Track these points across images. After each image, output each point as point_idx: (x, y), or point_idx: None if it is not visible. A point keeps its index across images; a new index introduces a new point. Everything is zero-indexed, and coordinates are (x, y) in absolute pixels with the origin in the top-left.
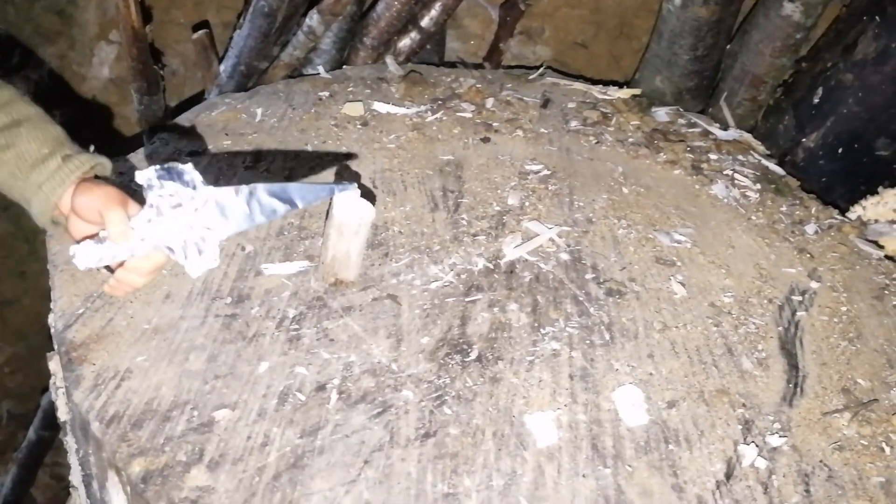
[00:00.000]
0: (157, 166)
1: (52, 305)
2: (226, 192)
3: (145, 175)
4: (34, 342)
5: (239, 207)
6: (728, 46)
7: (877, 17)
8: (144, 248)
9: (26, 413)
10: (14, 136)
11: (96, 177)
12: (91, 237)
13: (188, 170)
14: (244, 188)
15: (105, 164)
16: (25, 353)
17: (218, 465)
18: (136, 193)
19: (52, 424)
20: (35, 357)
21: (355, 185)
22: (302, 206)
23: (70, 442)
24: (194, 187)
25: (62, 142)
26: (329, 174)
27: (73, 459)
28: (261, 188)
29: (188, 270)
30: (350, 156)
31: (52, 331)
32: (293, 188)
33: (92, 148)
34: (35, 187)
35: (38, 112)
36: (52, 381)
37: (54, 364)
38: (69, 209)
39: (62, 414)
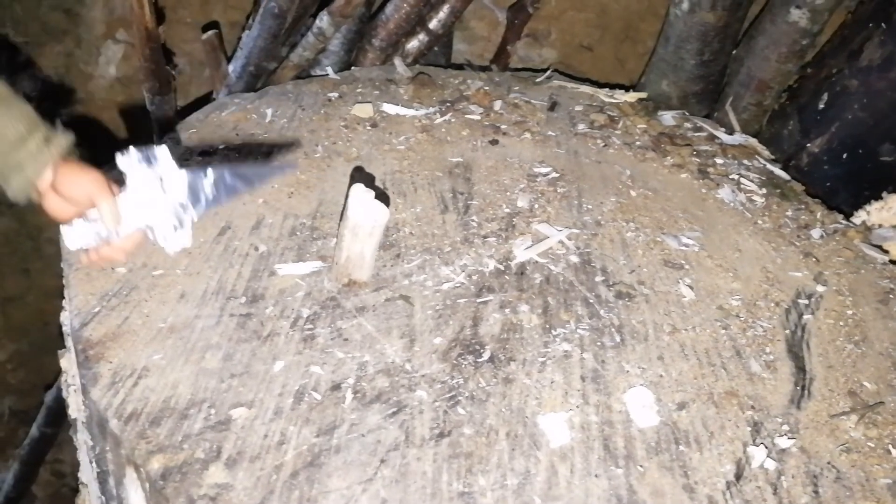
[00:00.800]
0: (136, 151)
1: (65, 304)
2: (196, 175)
3: (125, 160)
4: (37, 339)
5: (208, 189)
6: (734, 51)
7: (882, 24)
8: (127, 229)
9: (28, 410)
10: None
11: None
12: (79, 218)
13: (163, 154)
14: (211, 170)
15: (72, 140)
16: (28, 350)
17: (236, 463)
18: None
19: (55, 421)
20: (37, 354)
21: (295, 165)
22: (257, 185)
23: (81, 439)
24: (169, 170)
25: (35, 120)
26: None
27: (83, 456)
28: (226, 171)
29: (166, 248)
30: (292, 144)
31: (67, 329)
32: (251, 170)
33: (58, 123)
34: (15, 166)
35: (7, 90)
36: (63, 379)
37: (66, 362)
38: (46, 186)
39: (73, 411)
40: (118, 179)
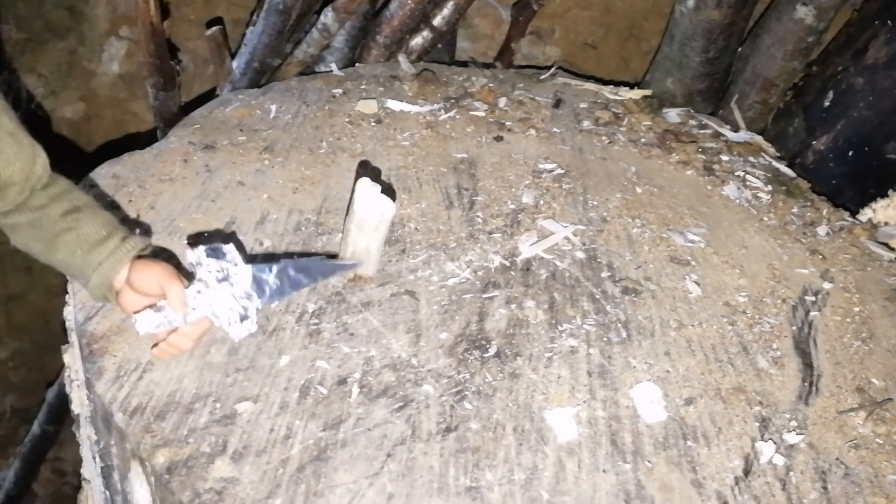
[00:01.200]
0: (205, 247)
1: (69, 298)
2: (261, 269)
3: (195, 254)
4: (39, 337)
5: (272, 282)
6: (739, 49)
7: (889, 22)
8: (195, 316)
9: (29, 408)
10: (75, 220)
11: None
12: (150, 307)
13: (230, 250)
14: (275, 266)
15: (150, 244)
16: (30, 348)
17: (242, 457)
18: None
19: (56, 419)
20: (39, 352)
21: (362, 263)
22: (320, 280)
23: (84, 434)
24: (235, 264)
25: (115, 225)
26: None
27: (86, 452)
28: (290, 265)
29: (232, 335)
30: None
31: (71, 323)
32: (314, 265)
33: (137, 231)
34: (95, 265)
35: (91, 199)
36: (66, 374)
37: (69, 357)
38: (122, 284)
39: (76, 406)
40: (187, 274)
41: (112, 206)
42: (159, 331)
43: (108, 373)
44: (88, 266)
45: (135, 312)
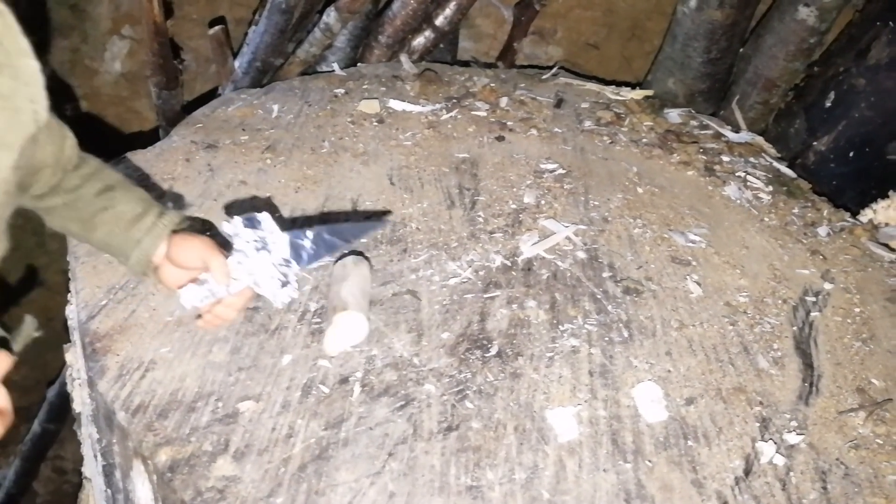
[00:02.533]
0: (241, 217)
1: (71, 297)
2: (297, 235)
3: (232, 225)
4: (40, 336)
5: (308, 246)
6: (741, 50)
7: (891, 23)
8: (238, 287)
9: (29, 406)
10: (110, 199)
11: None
12: (193, 281)
13: (266, 218)
14: (311, 231)
15: (185, 218)
16: (31, 347)
17: (244, 456)
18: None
19: (57, 418)
20: (40, 350)
21: (386, 220)
22: (353, 241)
23: (85, 433)
24: (272, 232)
25: (150, 201)
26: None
27: (87, 451)
28: (324, 230)
29: (274, 302)
30: (386, 212)
31: (73, 322)
32: (346, 228)
33: (170, 204)
34: (134, 242)
35: (122, 177)
36: (67, 372)
37: (71, 355)
38: (161, 258)
39: (78, 405)
40: (225, 244)
41: (143, 184)
42: (204, 304)
43: (110, 371)
44: (128, 243)
45: (178, 287)
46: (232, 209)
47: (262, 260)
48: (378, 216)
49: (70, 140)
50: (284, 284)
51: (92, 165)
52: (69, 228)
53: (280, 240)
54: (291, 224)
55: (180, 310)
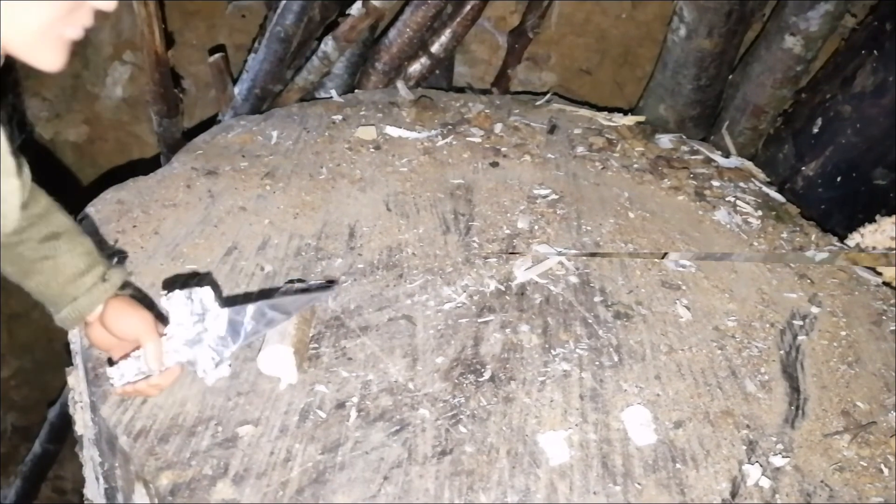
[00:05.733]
0: (181, 292)
1: None
2: (237, 311)
3: (170, 300)
4: (40, 356)
5: (247, 323)
6: (730, 77)
7: (875, 52)
8: (169, 363)
9: (30, 426)
10: (53, 248)
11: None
12: (123, 358)
13: (206, 293)
14: (251, 307)
15: (128, 276)
16: (31, 367)
17: (243, 479)
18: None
19: (57, 438)
20: (41, 371)
21: (333, 286)
22: (294, 314)
23: (87, 455)
24: (210, 309)
25: (95, 256)
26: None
27: (89, 473)
28: (266, 305)
29: (206, 380)
30: (331, 282)
31: (76, 346)
32: (288, 301)
33: (115, 259)
34: (70, 298)
35: (72, 223)
36: (70, 396)
37: (73, 379)
38: (94, 318)
39: (80, 428)
40: (161, 316)
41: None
42: (135, 379)
43: (113, 397)
44: (63, 298)
45: (109, 365)
46: (173, 284)
47: (198, 338)
48: (323, 287)
49: (25, 173)
50: (218, 364)
51: (42, 205)
52: (3, 268)
53: (219, 316)
54: (232, 300)
55: (108, 385)
